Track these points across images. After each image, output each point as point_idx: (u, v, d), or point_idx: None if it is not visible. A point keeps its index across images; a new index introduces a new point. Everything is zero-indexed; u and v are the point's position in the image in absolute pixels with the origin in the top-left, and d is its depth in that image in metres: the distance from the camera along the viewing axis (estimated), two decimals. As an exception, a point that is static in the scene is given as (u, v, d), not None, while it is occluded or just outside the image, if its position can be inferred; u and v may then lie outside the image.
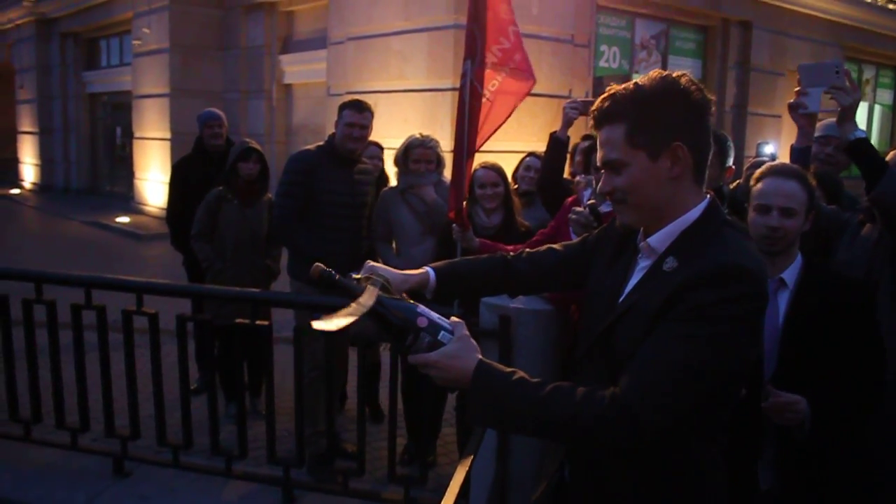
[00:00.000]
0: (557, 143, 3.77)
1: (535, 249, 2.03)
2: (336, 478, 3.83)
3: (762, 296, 1.52)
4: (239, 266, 4.73)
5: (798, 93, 2.85)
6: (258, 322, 3.72)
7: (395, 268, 3.88)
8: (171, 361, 3.94)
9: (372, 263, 1.78)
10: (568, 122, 3.77)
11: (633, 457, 1.54)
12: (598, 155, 1.65)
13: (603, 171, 1.65)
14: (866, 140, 2.67)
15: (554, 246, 2.03)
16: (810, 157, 3.02)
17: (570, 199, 3.50)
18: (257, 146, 4.82)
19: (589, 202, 3.07)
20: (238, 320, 3.75)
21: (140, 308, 3.79)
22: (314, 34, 12.35)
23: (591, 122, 1.69)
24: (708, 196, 1.63)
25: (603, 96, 1.62)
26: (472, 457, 2.21)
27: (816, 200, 2.49)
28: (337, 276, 1.68)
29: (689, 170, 1.58)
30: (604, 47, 10.81)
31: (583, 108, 3.72)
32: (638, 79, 1.60)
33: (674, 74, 1.59)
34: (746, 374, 1.60)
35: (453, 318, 1.58)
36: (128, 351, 3.84)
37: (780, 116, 13.18)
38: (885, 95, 16.99)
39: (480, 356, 1.53)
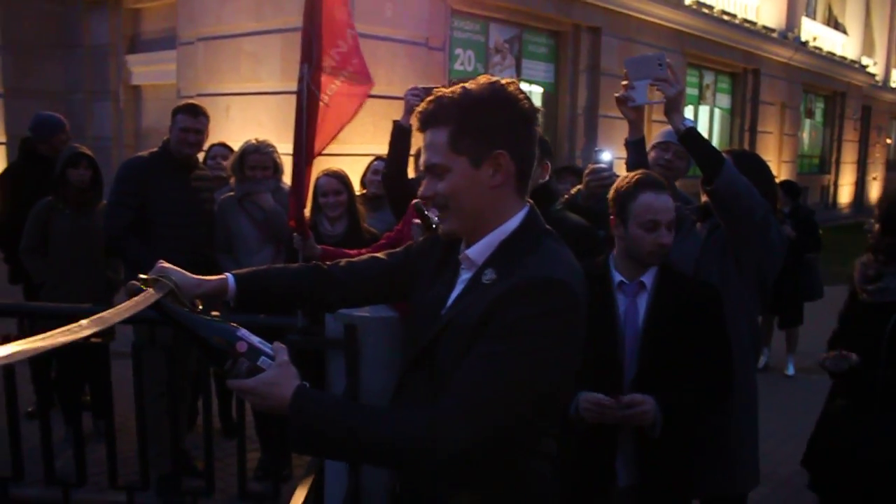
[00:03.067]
0: (400, 130, 3.72)
1: (355, 258, 1.96)
2: (185, 498, 3.67)
3: (575, 308, 1.52)
4: (75, 280, 4.44)
5: (625, 86, 2.88)
6: (93, 340, 3.50)
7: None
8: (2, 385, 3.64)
9: (163, 264, 1.67)
10: (409, 109, 3.74)
11: (458, 473, 1.52)
12: (422, 158, 1.62)
13: (426, 175, 1.62)
14: (696, 129, 2.72)
15: (377, 255, 1.96)
16: (645, 147, 3.09)
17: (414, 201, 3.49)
18: (87, 151, 4.54)
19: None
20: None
21: (-42, 330, 3.49)
22: (163, 34, 11.84)
23: (415, 125, 1.65)
24: (527, 205, 1.64)
25: (429, 98, 1.59)
26: (312, 477, 2.15)
27: None
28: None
29: (511, 179, 1.57)
30: (459, 51, 10.93)
31: (424, 95, 3.70)
32: (466, 83, 1.58)
33: (502, 81, 1.57)
34: (570, 385, 1.62)
35: (276, 344, 1.52)
36: (-55, 376, 3.53)
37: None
38: (723, 100, 18.09)
39: (299, 382, 1.48)
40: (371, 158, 4.94)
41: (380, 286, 1.91)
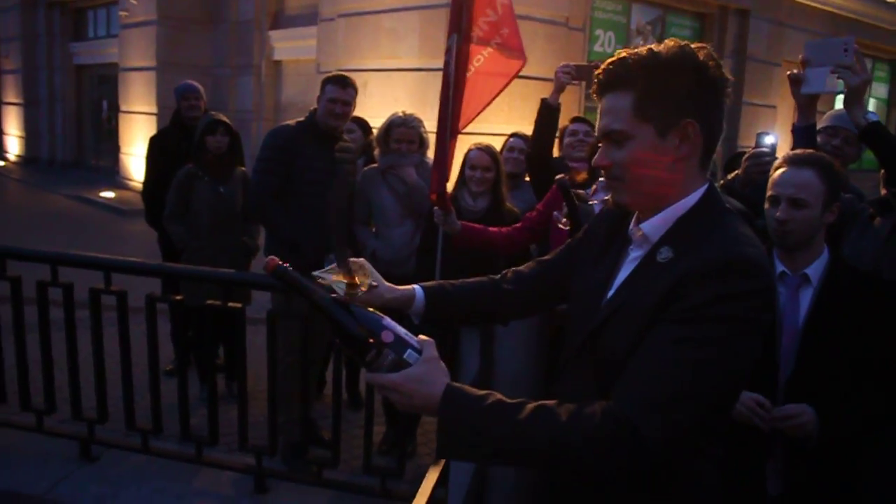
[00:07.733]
0: (548, 109, 3.60)
1: (520, 268, 1.86)
2: (310, 467, 3.70)
3: (769, 290, 1.37)
4: (215, 245, 4.57)
5: (802, 66, 2.65)
6: (230, 304, 3.57)
7: (374, 249, 3.66)
8: (144, 342, 3.78)
9: (360, 260, 1.62)
10: (559, 87, 3.60)
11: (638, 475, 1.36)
12: (599, 124, 1.48)
13: (601, 142, 1.49)
14: (881, 124, 2.47)
15: (541, 259, 1.86)
16: (815, 135, 2.84)
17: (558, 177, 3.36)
18: (224, 118, 4.64)
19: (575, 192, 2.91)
20: (209, 301, 3.60)
21: (108, 286, 3.63)
22: (305, 10, 12.12)
23: (592, 88, 1.51)
24: (708, 181, 1.48)
25: (611, 60, 1.45)
26: (443, 462, 2.08)
27: (840, 190, 2.33)
28: (290, 272, 1.41)
29: (697, 151, 1.43)
30: (599, 32, 10.64)
31: (576, 74, 3.57)
32: (652, 45, 1.44)
33: (692, 45, 1.42)
34: (747, 378, 1.46)
35: (422, 337, 1.39)
36: (95, 330, 3.69)
37: (775, 107, 13.06)
38: (880, 89, 16.92)
39: (449, 380, 1.35)
40: (505, 137, 4.83)
41: (546, 287, 1.81)
